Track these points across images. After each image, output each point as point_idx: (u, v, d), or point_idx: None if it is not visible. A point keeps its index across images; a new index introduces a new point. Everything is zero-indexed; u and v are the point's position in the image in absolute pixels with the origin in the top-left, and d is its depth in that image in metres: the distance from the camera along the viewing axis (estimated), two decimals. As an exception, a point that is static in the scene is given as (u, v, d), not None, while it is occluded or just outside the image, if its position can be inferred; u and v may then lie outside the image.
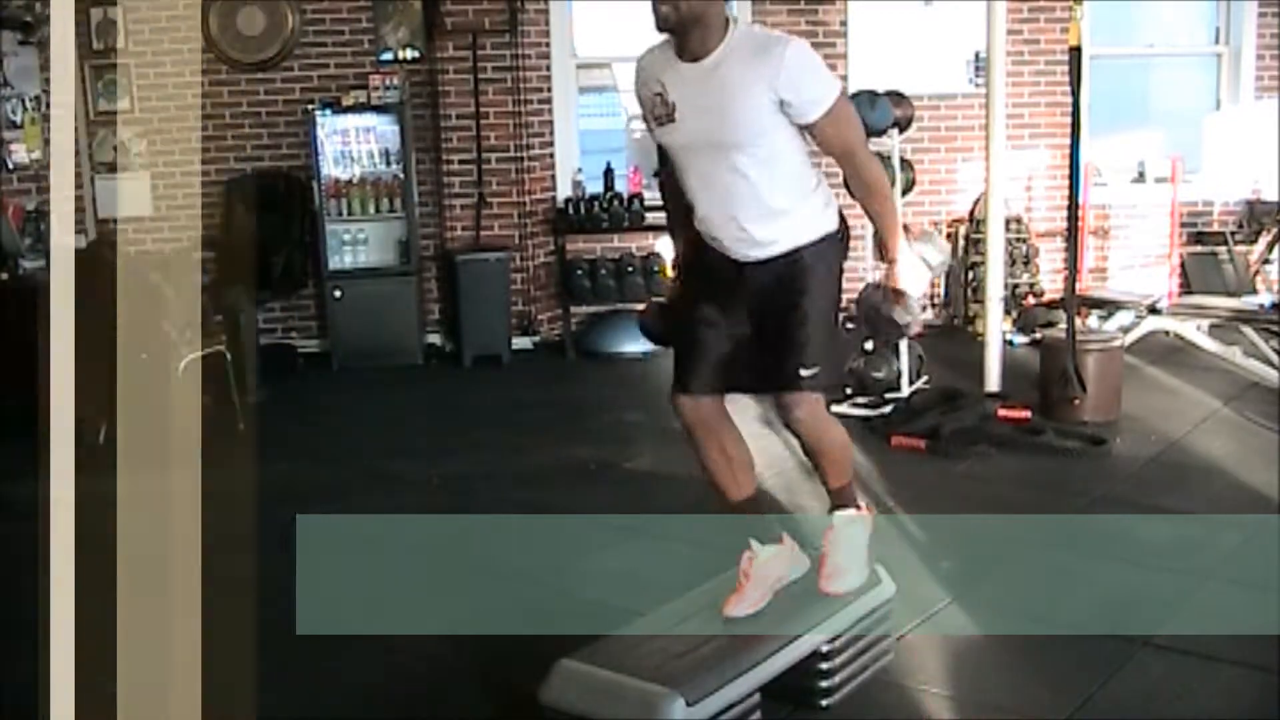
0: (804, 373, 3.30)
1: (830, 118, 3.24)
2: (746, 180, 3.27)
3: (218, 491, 5.82)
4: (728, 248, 3.40)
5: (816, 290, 3.34)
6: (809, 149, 3.39)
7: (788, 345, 3.31)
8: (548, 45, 8.47)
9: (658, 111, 3.31)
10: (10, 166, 7.51)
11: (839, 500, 3.63)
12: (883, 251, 3.53)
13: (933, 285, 8.97)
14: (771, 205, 3.31)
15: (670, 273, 3.75)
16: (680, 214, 3.58)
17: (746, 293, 3.40)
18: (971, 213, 8.52)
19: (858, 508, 3.67)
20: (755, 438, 5.95)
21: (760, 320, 3.39)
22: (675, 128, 3.29)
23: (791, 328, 3.31)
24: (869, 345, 6.77)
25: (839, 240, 3.44)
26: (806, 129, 3.29)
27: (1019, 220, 8.68)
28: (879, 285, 3.48)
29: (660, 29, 3.24)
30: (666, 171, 3.56)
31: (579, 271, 8.36)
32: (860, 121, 3.44)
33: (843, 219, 3.48)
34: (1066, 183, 6.64)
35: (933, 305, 8.96)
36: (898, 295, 3.44)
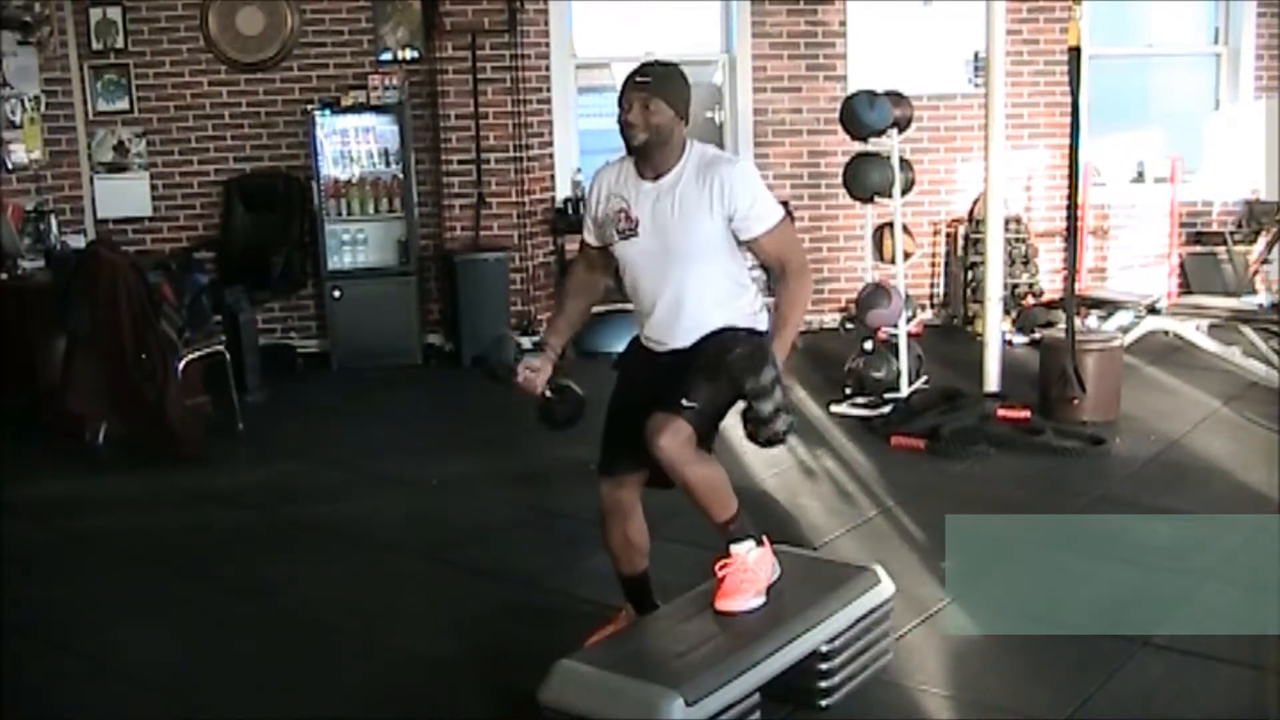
0: (685, 402, 3.39)
1: (770, 236, 3.49)
2: (698, 284, 3.50)
3: (218, 491, 5.84)
4: (666, 343, 3.58)
5: (725, 353, 3.43)
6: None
7: (680, 383, 3.42)
8: (547, 45, 8.47)
9: (621, 226, 3.54)
10: (10, 166, 7.50)
11: (729, 536, 3.56)
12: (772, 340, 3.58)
13: (931, 284, 8.99)
14: (711, 308, 3.51)
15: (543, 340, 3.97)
16: (574, 310, 4.00)
17: (667, 373, 3.52)
18: (971, 213, 8.53)
19: (756, 540, 3.59)
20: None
21: (670, 377, 3.49)
22: (636, 241, 3.52)
23: (691, 372, 3.45)
24: (868, 345, 6.78)
25: (763, 340, 3.52)
26: (748, 244, 3.51)
27: (1018, 220, 8.69)
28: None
29: (630, 149, 3.49)
30: (580, 271, 3.90)
31: (578, 271, 8.35)
32: (797, 242, 3.68)
33: (765, 333, 3.58)
34: (1066, 183, 6.64)
35: (932, 305, 8.97)
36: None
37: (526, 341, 8.40)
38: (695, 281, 3.49)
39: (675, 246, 3.46)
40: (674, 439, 3.35)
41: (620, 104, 3.45)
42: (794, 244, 3.63)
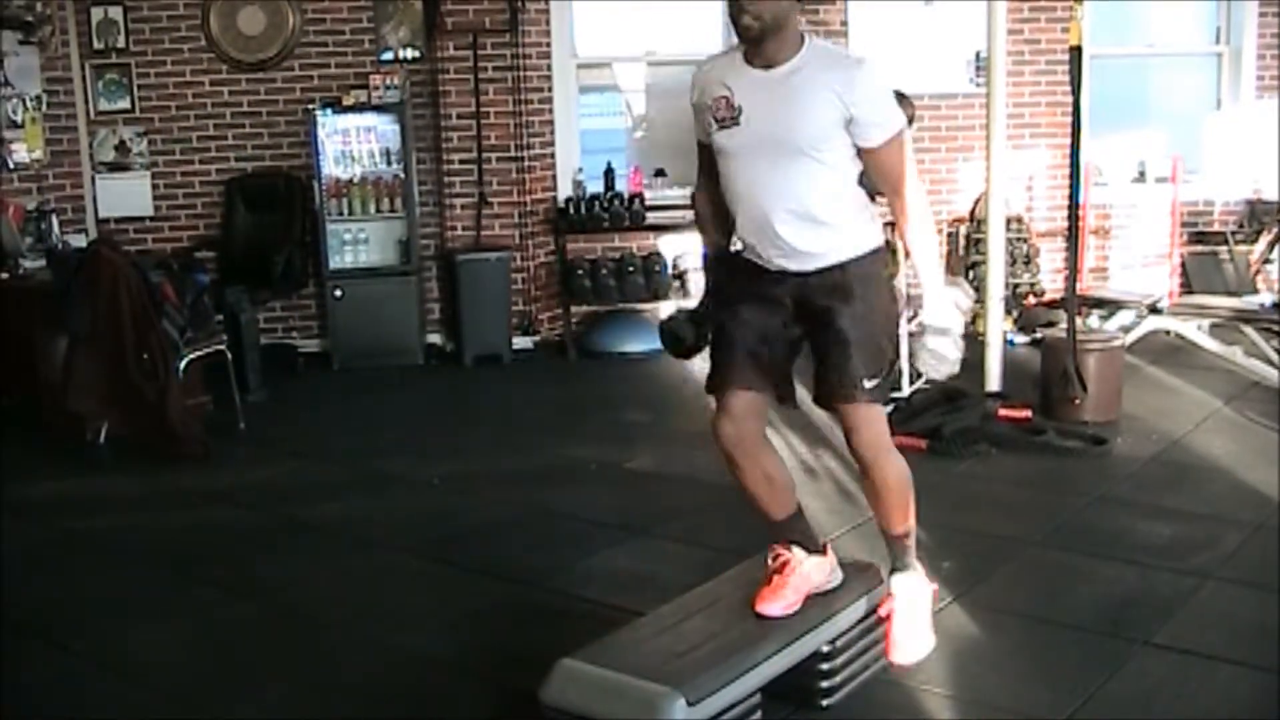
0: (867, 384, 3.24)
1: (889, 147, 3.26)
2: (799, 186, 3.25)
3: (218, 491, 5.84)
4: (769, 259, 3.35)
5: (869, 302, 3.30)
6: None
7: (844, 355, 3.25)
8: (548, 45, 8.48)
9: (721, 114, 3.28)
10: (11, 166, 7.51)
11: (899, 554, 3.50)
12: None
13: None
14: (817, 215, 3.28)
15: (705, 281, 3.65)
16: (713, 221, 3.56)
17: (788, 307, 3.35)
18: (972, 212, 8.52)
19: (914, 569, 3.53)
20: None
21: (809, 334, 3.34)
22: (739, 130, 3.27)
23: (847, 338, 3.25)
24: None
25: (882, 254, 3.41)
26: (863, 153, 3.28)
27: (1019, 220, 8.69)
28: (917, 320, 3.40)
29: (742, 38, 3.23)
30: (705, 180, 3.53)
31: (579, 271, 8.37)
32: (912, 160, 3.40)
33: (886, 240, 3.46)
34: (1067, 182, 6.64)
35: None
36: (941, 332, 3.36)
37: (528, 342, 8.48)
38: (799, 184, 3.24)
39: (782, 139, 3.21)
40: (877, 432, 3.25)
41: None
42: (910, 160, 3.35)
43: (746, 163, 3.29)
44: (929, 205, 3.42)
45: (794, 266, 3.32)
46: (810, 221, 3.27)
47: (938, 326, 3.35)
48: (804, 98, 3.19)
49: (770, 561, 3.51)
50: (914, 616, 3.49)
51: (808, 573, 3.49)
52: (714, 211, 3.53)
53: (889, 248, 3.44)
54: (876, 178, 3.36)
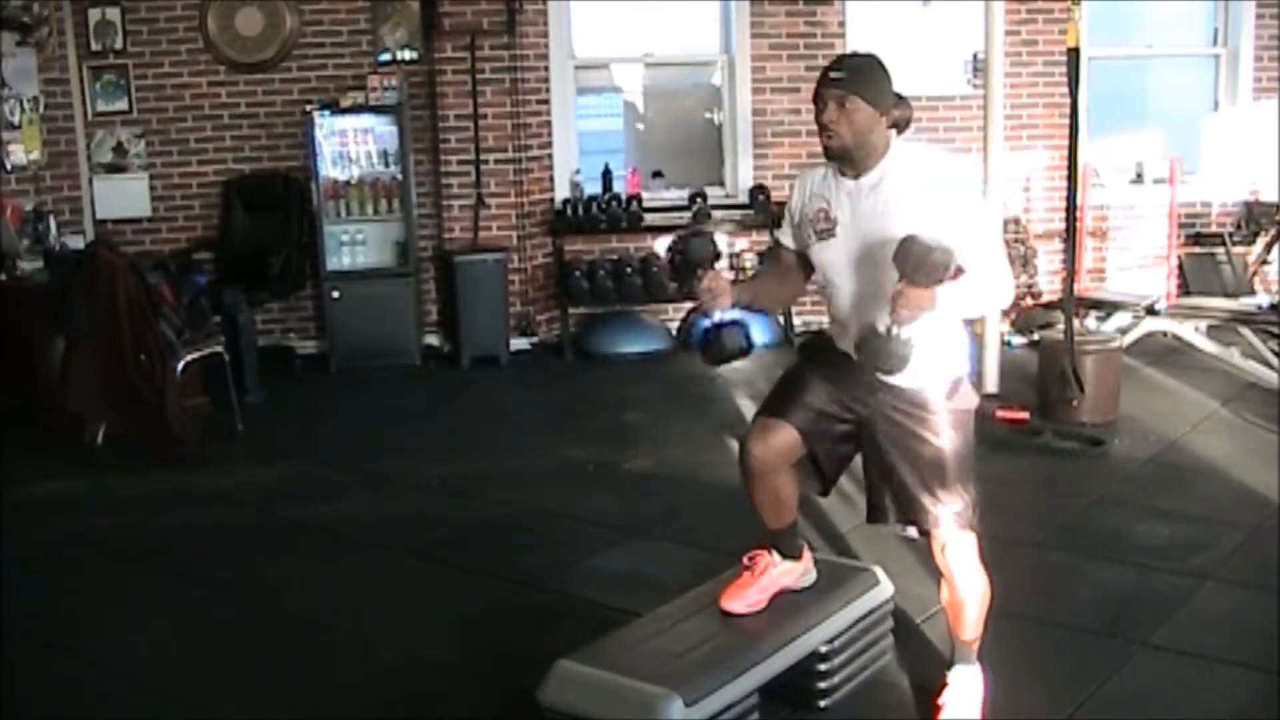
0: (942, 509, 3.28)
1: (978, 240, 3.15)
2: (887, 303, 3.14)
3: (217, 491, 5.84)
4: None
5: (949, 430, 3.27)
6: None
7: (932, 482, 3.27)
8: (546, 46, 8.47)
9: (820, 226, 3.28)
10: (9, 167, 7.50)
11: (962, 653, 3.54)
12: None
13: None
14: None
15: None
16: (772, 288, 3.62)
17: (870, 404, 3.30)
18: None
19: (975, 666, 3.57)
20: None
21: (889, 441, 3.30)
22: (835, 243, 3.26)
23: (927, 463, 3.26)
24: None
25: (967, 386, 3.35)
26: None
27: (1017, 221, 8.69)
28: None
29: (827, 152, 3.22)
30: (771, 268, 3.57)
31: (577, 272, 8.36)
32: (1004, 259, 3.31)
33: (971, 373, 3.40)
34: (1064, 184, 6.63)
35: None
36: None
37: (525, 343, 8.47)
38: (886, 294, 3.10)
39: (876, 251, 3.13)
40: (964, 554, 3.34)
41: (815, 103, 3.18)
42: (999, 256, 3.25)
43: (844, 275, 3.28)
44: (1000, 297, 3.32)
45: (892, 381, 3.25)
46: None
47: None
48: (892, 209, 3.15)
49: (745, 559, 3.55)
50: (964, 709, 3.50)
51: (778, 576, 3.55)
52: (776, 281, 3.58)
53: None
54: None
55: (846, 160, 3.22)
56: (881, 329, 3.05)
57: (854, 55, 3.31)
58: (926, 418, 3.26)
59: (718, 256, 3.47)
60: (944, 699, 3.49)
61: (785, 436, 3.34)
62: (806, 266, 3.41)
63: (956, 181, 3.20)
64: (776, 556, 3.54)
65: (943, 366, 3.28)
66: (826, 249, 3.28)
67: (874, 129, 3.17)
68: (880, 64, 3.24)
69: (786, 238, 3.44)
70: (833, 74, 3.17)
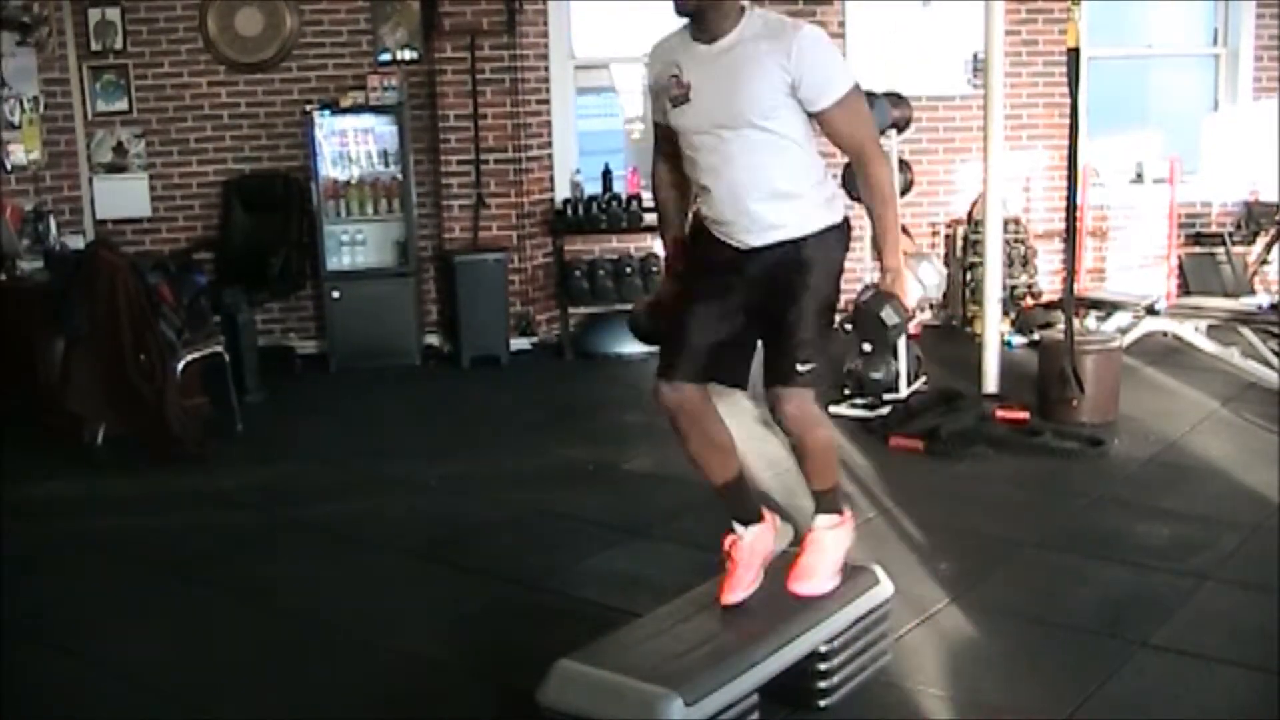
0: (800, 368, 3.30)
1: (841, 107, 3.28)
2: (756, 160, 3.29)
3: (217, 491, 5.84)
4: (731, 233, 3.40)
5: (816, 283, 3.34)
6: (820, 145, 3.43)
7: (785, 339, 3.31)
8: (546, 46, 8.47)
9: (673, 93, 3.34)
10: (8, 167, 7.50)
11: (823, 504, 3.62)
12: (879, 255, 3.51)
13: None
14: (779, 187, 3.33)
15: (665, 270, 3.76)
16: (671, 207, 3.66)
17: (744, 282, 3.40)
18: (969, 214, 8.52)
19: (840, 513, 3.66)
20: (754, 439, 5.97)
21: (757, 312, 3.39)
22: (690, 107, 3.32)
23: (789, 321, 3.31)
24: (866, 347, 6.78)
25: (842, 234, 3.44)
26: (816, 118, 3.32)
27: (1017, 221, 8.69)
28: (873, 287, 3.45)
29: (679, 12, 3.28)
30: (661, 163, 3.62)
31: (577, 272, 8.37)
32: (873, 120, 3.45)
33: (846, 217, 3.49)
34: (1065, 184, 6.64)
35: (931, 306, 8.97)
36: (888, 296, 3.43)
37: (526, 343, 8.48)
38: (756, 156, 3.28)
39: (732, 111, 3.25)
40: (801, 407, 3.31)
41: None
42: (868, 119, 3.41)
43: (701, 141, 3.35)
44: (891, 175, 3.45)
45: (754, 240, 3.37)
46: (769, 192, 3.33)
47: (888, 291, 3.41)
48: (746, 69, 3.23)
49: (723, 554, 3.58)
50: (826, 551, 3.56)
51: (751, 544, 3.57)
52: (671, 193, 3.63)
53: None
54: (832, 141, 3.39)
55: (699, 21, 3.27)
56: (883, 317, 3.27)
57: None
58: (794, 271, 3.33)
59: (646, 314, 3.67)
60: (805, 542, 3.56)
61: (689, 391, 3.42)
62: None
63: (807, 44, 3.24)
64: (739, 527, 3.58)
65: (809, 218, 3.36)
66: (682, 114, 3.35)
67: None
68: None
69: (657, 114, 3.50)
70: None
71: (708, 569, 3.75)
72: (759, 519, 3.63)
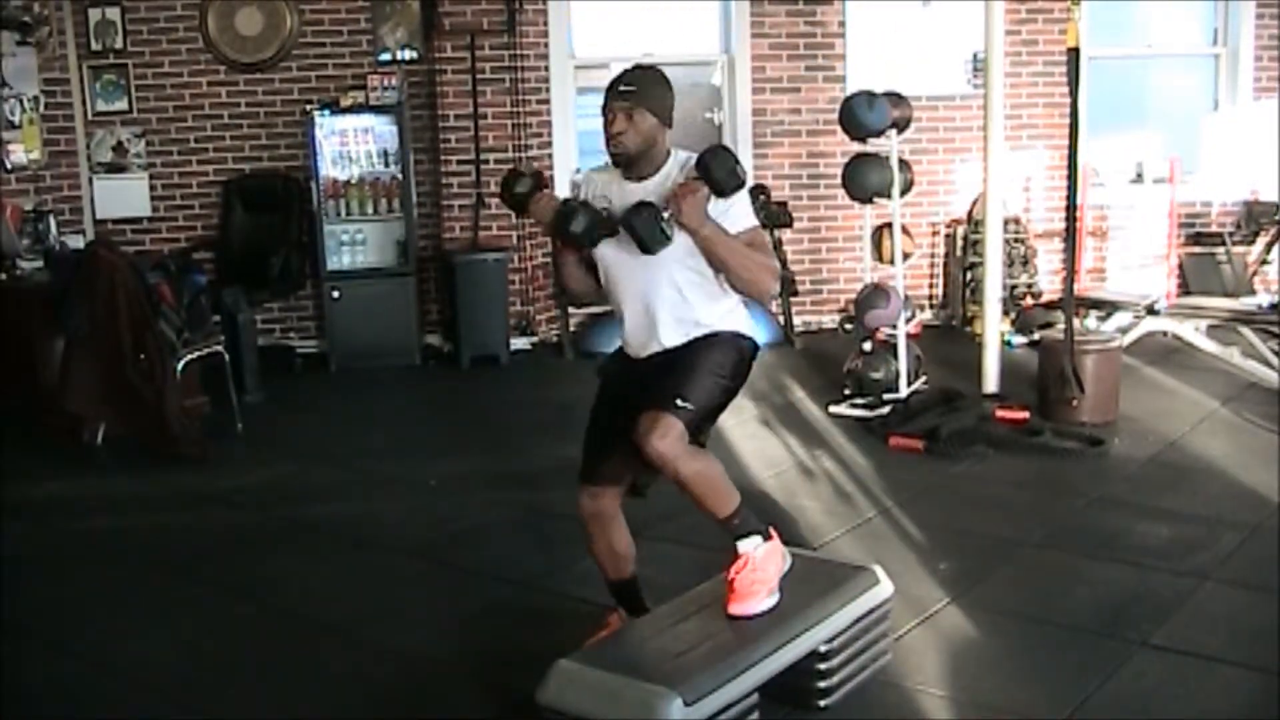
0: (679, 401, 3.35)
1: (745, 237, 3.44)
2: (673, 290, 3.47)
3: (217, 491, 5.84)
4: (647, 348, 3.57)
5: (715, 357, 3.46)
6: None
7: (672, 383, 3.40)
8: (546, 46, 8.48)
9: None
10: (9, 167, 7.50)
11: (734, 531, 3.54)
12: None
13: (930, 285, 8.99)
14: (695, 319, 3.50)
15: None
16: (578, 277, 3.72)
17: (655, 373, 3.50)
18: (969, 213, 8.53)
19: (763, 535, 3.57)
20: (754, 438, 5.98)
21: (656, 378, 3.47)
22: (616, 240, 3.48)
23: (680, 374, 3.42)
24: (867, 346, 6.78)
25: (749, 346, 3.56)
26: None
27: (1017, 221, 8.70)
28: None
29: (615, 159, 3.50)
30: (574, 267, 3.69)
31: (577, 272, 8.35)
32: (773, 257, 3.62)
33: (754, 344, 3.61)
34: (1065, 183, 6.64)
35: (931, 306, 8.98)
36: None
37: (525, 342, 8.47)
38: (673, 284, 3.47)
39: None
40: (666, 437, 3.30)
41: (604, 114, 3.45)
42: (767, 252, 3.57)
43: (626, 271, 3.52)
44: (767, 283, 3.53)
45: (660, 349, 3.54)
46: (685, 322, 3.50)
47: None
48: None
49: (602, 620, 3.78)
50: (755, 570, 3.52)
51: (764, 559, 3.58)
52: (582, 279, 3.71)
53: None
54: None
55: (632, 166, 3.49)
56: (656, 204, 3.36)
57: (640, 68, 3.55)
58: (698, 350, 3.48)
59: (538, 185, 3.65)
60: (734, 570, 3.51)
61: (605, 491, 3.73)
62: (594, 267, 3.63)
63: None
64: (624, 614, 3.78)
65: (723, 324, 3.52)
66: (608, 246, 3.51)
67: (658, 137, 3.48)
68: (664, 78, 3.54)
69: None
70: (621, 87, 3.44)
71: (707, 569, 3.75)
72: (642, 612, 3.74)
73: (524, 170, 3.85)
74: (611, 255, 3.54)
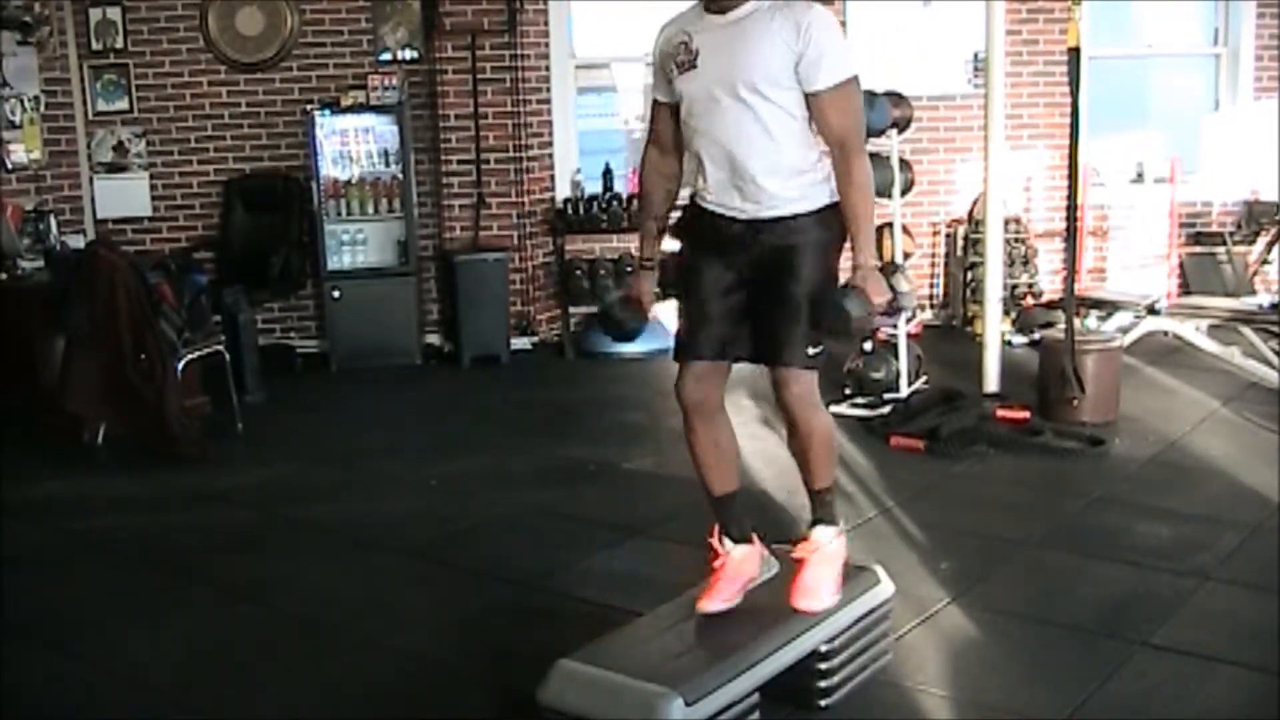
0: (811, 351, 3.34)
1: (836, 93, 3.31)
2: (759, 127, 3.32)
3: (217, 491, 5.84)
4: (730, 204, 3.41)
5: (817, 263, 3.36)
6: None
7: (790, 321, 3.33)
8: (547, 45, 8.48)
9: (680, 59, 3.37)
10: (9, 166, 7.51)
11: (821, 508, 3.58)
12: (853, 250, 3.43)
13: (930, 285, 8.99)
14: (778, 159, 3.35)
15: (639, 258, 3.71)
16: (657, 195, 3.65)
17: (745, 258, 3.41)
18: (970, 213, 8.53)
19: (837, 524, 3.63)
20: (755, 439, 5.97)
21: (761, 288, 3.39)
22: (696, 73, 3.35)
23: (794, 303, 3.32)
24: (868, 345, 6.77)
25: (838, 214, 3.42)
26: (809, 99, 3.32)
27: (1018, 221, 8.69)
28: (845, 285, 3.38)
29: None
30: (653, 149, 3.63)
31: (578, 272, 8.37)
32: (863, 116, 3.46)
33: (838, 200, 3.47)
34: (1065, 183, 6.64)
35: (931, 306, 8.97)
36: (856, 290, 3.34)
37: (526, 342, 8.48)
38: (758, 125, 3.30)
39: (734, 79, 3.28)
40: (806, 389, 3.35)
41: None
42: (859, 114, 3.41)
43: (705, 109, 3.37)
44: (871, 173, 3.46)
45: (754, 212, 3.38)
46: (769, 163, 3.35)
47: (856, 285, 3.34)
48: (754, 39, 3.27)
49: (711, 563, 3.57)
50: (826, 568, 3.54)
51: (739, 562, 3.57)
52: (658, 180, 3.64)
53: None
54: (821, 130, 3.40)
55: None
56: (849, 308, 3.25)
57: None
58: (795, 251, 3.35)
59: (621, 300, 3.67)
60: (802, 553, 3.52)
61: (707, 368, 3.46)
62: (678, 123, 3.47)
63: (816, 23, 3.26)
64: (729, 543, 3.58)
65: (808, 194, 3.38)
66: (688, 80, 3.37)
67: None
68: None
69: (660, 92, 3.53)
70: None
71: (709, 568, 3.75)
72: (748, 541, 3.62)
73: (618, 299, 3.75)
74: (693, 90, 3.37)
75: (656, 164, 3.65)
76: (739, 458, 3.67)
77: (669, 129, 3.55)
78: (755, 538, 3.66)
